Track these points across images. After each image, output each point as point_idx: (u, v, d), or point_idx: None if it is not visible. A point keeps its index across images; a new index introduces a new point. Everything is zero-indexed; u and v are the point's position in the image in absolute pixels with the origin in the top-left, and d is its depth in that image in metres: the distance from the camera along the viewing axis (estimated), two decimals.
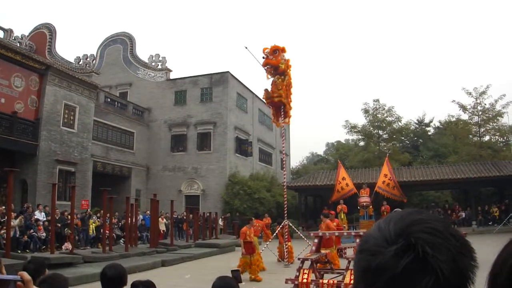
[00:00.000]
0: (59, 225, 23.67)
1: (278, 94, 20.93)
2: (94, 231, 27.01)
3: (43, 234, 23.15)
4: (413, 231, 1.00)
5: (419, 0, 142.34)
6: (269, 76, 21.38)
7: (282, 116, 21.88)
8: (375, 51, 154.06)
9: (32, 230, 22.72)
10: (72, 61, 42.08)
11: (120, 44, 48.69)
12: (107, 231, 22.66)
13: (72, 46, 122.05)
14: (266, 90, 21.42)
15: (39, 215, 24.30)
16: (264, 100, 48.35)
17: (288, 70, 21.54)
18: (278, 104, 21.51)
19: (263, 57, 20.76)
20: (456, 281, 0.97)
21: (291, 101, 22.34)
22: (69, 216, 22.74)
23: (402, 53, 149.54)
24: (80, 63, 42.92)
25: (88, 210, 29.20)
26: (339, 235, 19.14)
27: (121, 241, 27.65)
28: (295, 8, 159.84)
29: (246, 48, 21.45)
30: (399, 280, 0.96)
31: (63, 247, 22.28)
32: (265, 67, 20.84)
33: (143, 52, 72.62)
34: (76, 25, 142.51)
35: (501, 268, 1.00)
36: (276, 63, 20.56)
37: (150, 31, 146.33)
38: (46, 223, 23.27)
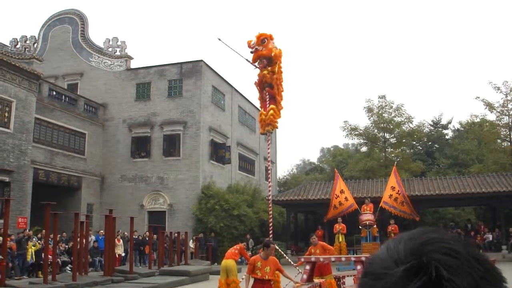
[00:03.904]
0: None
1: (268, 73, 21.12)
2: (34, 256, 26.68)
3: None
4: (426, 251, 1.00)
5: None
6: (257, 65, 21.52)
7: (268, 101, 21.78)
8: (379, 40, 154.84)
9: None
10: (7, 44, 41.74)
11: (69, 24, 48.39)
12: (50, 256, 22.36)
13: (7, 25, 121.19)
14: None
15: None
16: (245, 96, 48.40)
17: (279, 61, 21.61)
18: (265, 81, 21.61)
19: (251, 52, 20.92)
20: None
21: (281, 99, 22.32)
22: (1, 238, 22.35)
23: (412, 43, 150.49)
24: (18, 46, 42.68)
25: (27, 230, 28.79)
26: (336, 260, 18.98)
27: (67, 268, 27.36)
28: None
29: (219, 39, 21.56)
30: None
31: None
32: (257, 62, 20.96)
33: (97, 35, 72.40)
34: None
35: None
36: (268, 54, 20.69)
37: (106, 10, 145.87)
38: None
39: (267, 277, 12.98)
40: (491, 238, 38.61)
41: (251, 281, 13.59)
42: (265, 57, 20.84)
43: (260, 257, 13.08)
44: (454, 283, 0.93)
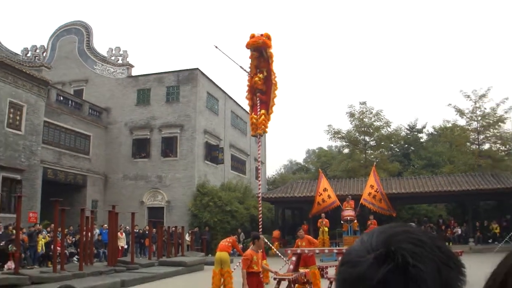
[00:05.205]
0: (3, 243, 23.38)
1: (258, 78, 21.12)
2: (44, 248, 26.69)
3: None
4: (395, 241, 1.04)
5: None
6: (248, 69, 21.55)
7: (259, 107, 21.83)
8: (361, 50, 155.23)
9: None
10: (19, 52, 41.76)
11: (75, 34, 48.30)
12: (58, 248, 22.43)
13: (19, 36, 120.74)
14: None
15: None
16: (237, 102, 48.35)
17: (272, 65, 21.65)
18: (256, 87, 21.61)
19: (251, 37, 20.90)
20: None
21: (273, 104, 22.39)
22: (14, 231, 22.44)
23: (391, 53, 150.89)
24: (28, 55, 42.69)
25: (37, 224, 28.81)
26: (320, 252, 19.17)
27: (74, 258, 27.42)
28: (271, 2, 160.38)
29: (216, 47, 21.68)
30: None
31: (5, 266, 22.02)
32: (252, 45, 20.89)
33: (101, 45, 72.33)
34: (24, 11, 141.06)
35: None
36: (267, 44, 20.66)
37: (110, 21, 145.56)
38: None
39: (260, 269, 12.84)
40: (460, 232, 38.99)
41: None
42: (264, 44, 20.75)
43: (254, 251, 12.79)
44: (419, 268, 0.98)
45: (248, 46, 20.95)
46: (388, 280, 0.98)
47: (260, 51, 20.91)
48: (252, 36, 20.77)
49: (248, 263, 12.40)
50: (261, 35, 20.86)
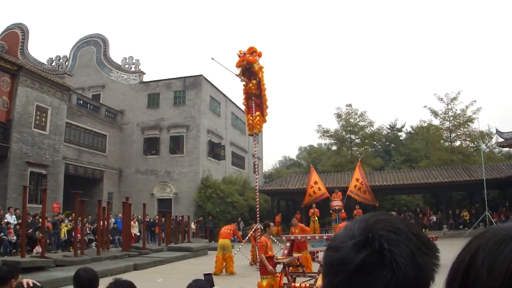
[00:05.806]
0: (31, 230, 23.38)
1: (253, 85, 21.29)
2: (66, 235, 26.71)
3: (13, 238, 22.85)
4: (374, 229, 1.04)
5: (392, 6, 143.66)
6: (243, 78, 21.62)
7: (254, 109, 21.92)
8: (348, 55, 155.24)
9: (2, 234, 22.42)
10: (45, 62, 41.73)
11: (94, 45, 48.29)
12: (78, 235, 22.45)
13: (44, 47, 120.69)
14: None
15: (10, 218, 24.02)
16: (237, 104, 48.25)
17: (261, 75, 21.73)
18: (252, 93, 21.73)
19: (238, 56, 21.04)
20: (415, 276, 0.99)
21: (267, 107, 22.49)
22: (40, 219, 22.45)
23: (375, 58, 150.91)
24: (53, 64, 42.60)
25: (60, 213, 28.76)
26: (311, 238, 19.22)
27: (93, 244, 27.44)
28: (266, 11, 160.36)
29: (213, 59, 21.67)
30: (359, 273, 0.99)
31: (34, 250, 22.06)
32: (240, 65, 21.04)
33: (116, 54, 72.32)
34: (49, 25, 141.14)
35: (455, 274, 0.99)
36: (252, 61, 20.80)
37: (124, 33, 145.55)
38: (17, 226, 22.97)
39: (274, 253, 12.70)
40: (435, 219, 39.27)
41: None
42: (248, 62, 20.90)
43: (267, 237, 12.61)
44: (394, 253, 0.98)
45: (237, 65, 21.25)
46: (366, 264, 0.98)
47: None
48: (239, 55, 20.98)
49: (264, 249, 12.16)
50: (244, 54, 20.97)
